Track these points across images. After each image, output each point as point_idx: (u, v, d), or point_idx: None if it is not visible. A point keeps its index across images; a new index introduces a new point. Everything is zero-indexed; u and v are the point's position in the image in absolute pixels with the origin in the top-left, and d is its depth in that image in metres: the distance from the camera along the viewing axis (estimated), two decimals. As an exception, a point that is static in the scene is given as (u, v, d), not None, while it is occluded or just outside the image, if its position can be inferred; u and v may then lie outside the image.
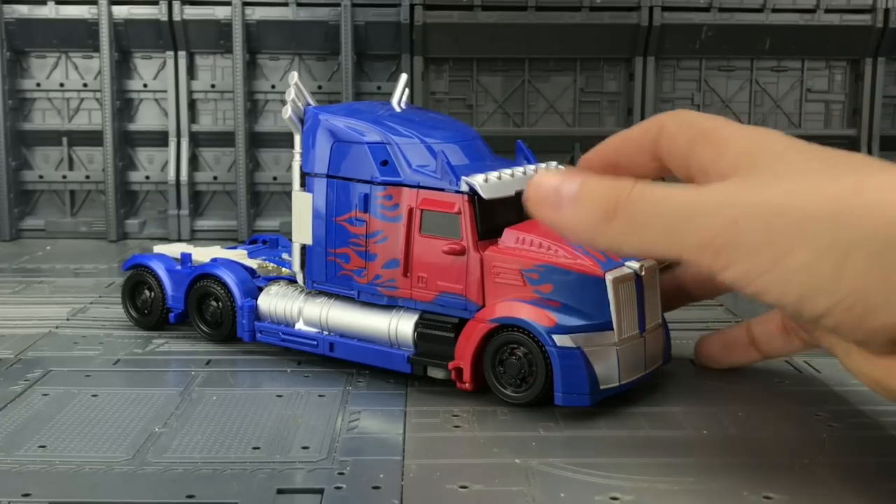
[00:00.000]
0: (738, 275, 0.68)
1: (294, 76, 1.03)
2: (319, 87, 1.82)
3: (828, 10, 1.79)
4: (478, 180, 0.93)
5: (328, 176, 1.01)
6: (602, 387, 0.89)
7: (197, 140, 1.84)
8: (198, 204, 1.85)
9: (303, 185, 1.04)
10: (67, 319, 1.22)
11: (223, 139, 1.83)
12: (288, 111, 1.02)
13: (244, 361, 1.06)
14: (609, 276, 0.90)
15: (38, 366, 1.03)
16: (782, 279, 0.67)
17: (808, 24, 1.79)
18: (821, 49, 1.83)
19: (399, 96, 1.12)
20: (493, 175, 0.94)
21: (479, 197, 0.93)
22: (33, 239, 1.82)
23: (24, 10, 1.78)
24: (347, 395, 0.94)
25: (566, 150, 1.82)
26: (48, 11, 1.78)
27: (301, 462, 0.78)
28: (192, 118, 1.83)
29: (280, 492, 0.72)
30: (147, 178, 1.85)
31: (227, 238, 1.77)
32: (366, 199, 0.98)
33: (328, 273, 1.01)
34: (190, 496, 0.71)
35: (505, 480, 0.75)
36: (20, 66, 1.83)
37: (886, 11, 1.79)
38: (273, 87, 1.83)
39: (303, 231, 1.03)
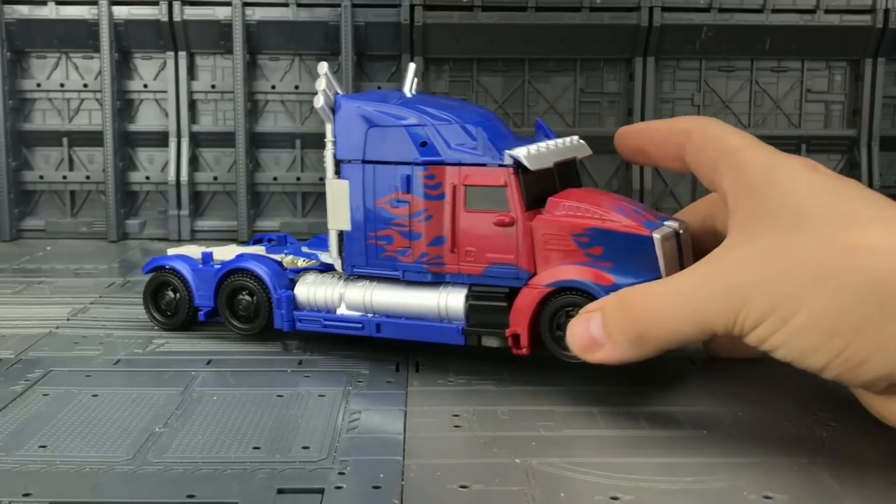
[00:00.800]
0: (754, 339, 0.79)
1: (324, 66, 1.04)
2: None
3: (828, 11, 1.79)
4: (521, 153, 0.97)
5: (364, 161, 1.03)
6: None
7: (197, 140, 1.84)
8: (198, 204, 1.85)
9: (337, 172, 1.05)
10: (68, 320, 1.22)
11: (223, 139, 1.83)
12: (320, 101, 1.03)
13: (244, 361, 1.06)
14: (656, 236, 0.94)
15: (38, 366, 1.03)
16: (786, 340, 0.77)
17: (808, 24, 1.79)
18: (821, 49, 1.83)
19: (410, 84, 1.14)
20: (533, 147, 0.99)
21: (523, 169, 0.97)
22: (33, 239, 1.82)
23: (24, 11, 1.78)
24: (347, 395, 0.95)
25: (566, 150, 1.82)
26: (48, 12, 1.78)
27: (301, 462, 0.78)
28: (193, 118, 1.83)
29: (280, 492, 0.72)
30: (147, 178, 1.85)
31: (228, 238, 1.77)
32: (408, 180, 1.00)
33: (369, 256, 1.04)
34: (190, 496, 0.71)
35: (505, 480, 0.75)
36: (20, 67, 1.83)
37: (886, 12, 1.79)
38: (273, 87, 1.83)
39: (339, 217, 1.05)
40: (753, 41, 1.81)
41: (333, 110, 1.04)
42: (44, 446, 0.81)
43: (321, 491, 0.72)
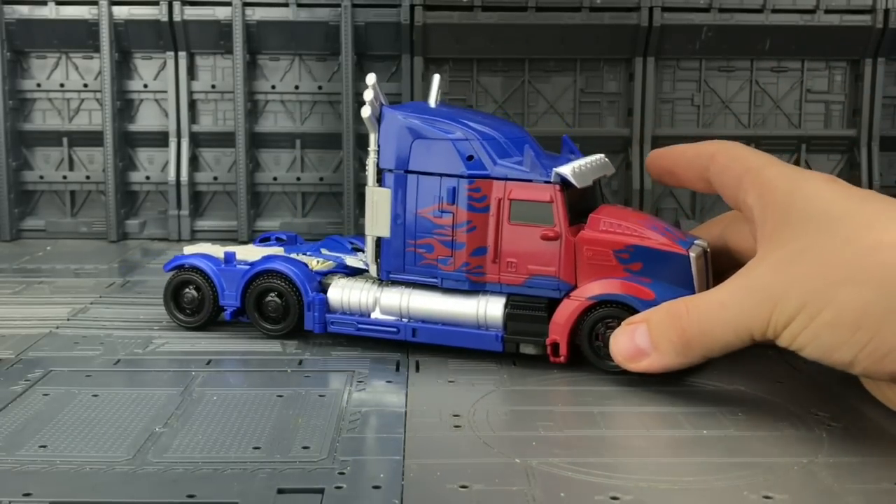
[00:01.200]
0: (785, 339, 0.84)
1: (372, 77, 1.08)
2: (319, 88, 1.82)
3: (828, 11, 1.79)
4: (567, 171, 1.02)
5: (407, 171, 1.06)
6: None
7: (197, 140, 1.84)
8: (198, 204, 1.85)
9: (378, 181, 1.08)
10: (68, 320, 1.22)
11: (223, 139, 1.83)
12: (367, 111, 1.06)
13: (244, 361, 1.06)
14: (692, 254, 1.00)
15: (38, 366, 1.03)
16: (814, 336, 0.81)
17: (808, 24, 1.79)
18: (821, 49, 1.83)
19: (435, 96, 1.16)
20: (576, 166, 1.05)
21: (568, 185, 1.02)
22: (34, 239, 1.82)
23: (24, 11, 1.78)
24: (347, 396, 0.95)
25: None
26: (48, 12, 1.78)
27: (301, 462, 0.78)
28: (193, 118, 1.83)
29: (280, 492, 0.72)
30: (147, 178, 1.85)
31: (228, 239, 1.77)
32: (453, 192, 1.04)
33: (406, 263, 1.07)
34: (190, 496, 0.71)
35: (505, 480, 0.75)
36: (20, 67, 1.83)
37: (886, 12, 1.79)
38: (273, 87, 1.83)
39: (379, 224, 1.08)
40: (753, 41, 1.81)
41: (379, 120, 1.07)
42: (44, 446, 0.81)
43: (321, 491, 0.72)
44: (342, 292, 1.11)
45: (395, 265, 1.08)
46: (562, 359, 1.02)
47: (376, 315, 1.09)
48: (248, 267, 1.14)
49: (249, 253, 1.19)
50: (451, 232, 1.05)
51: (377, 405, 0.92)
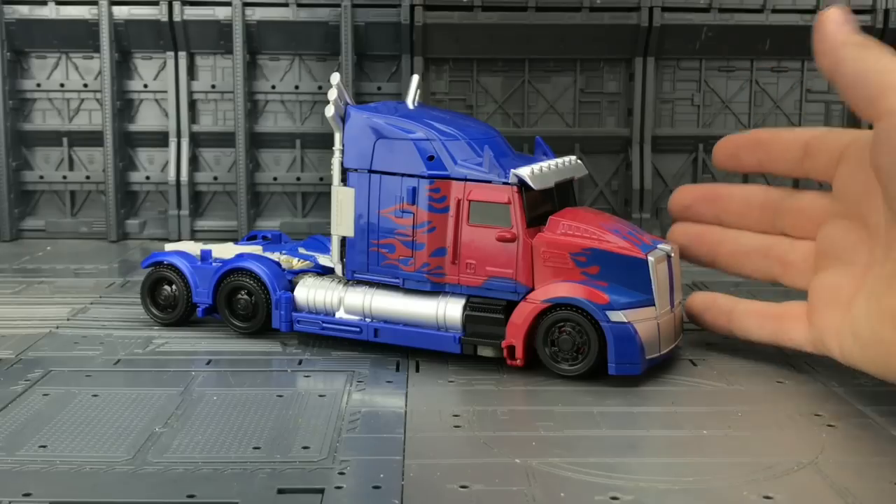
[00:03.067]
0: None
1: (336, 77, 1.07)
2: (319, 88, 1.82)
3: (828, 11, 1.79)
4: (525, 172, 1.01)
5: (370, 171, 1.06)
6: (647, 356, 0.98)
7: (197, 140, 1.84)
8: (198, 204, 1.85)
9: (343, 180, 1.08)
10: (68, 319, 1.22)
11: (223, 139, 1.82)
12: (331, 110, 1.06)
13: (244, 361, 1.06)
14: (650, 258, 0.99)
15: (38, 366, 1.03)
16: None
17: (808, 24, 1.78)
18: (821, 49, 1.83)
19: (413, 96, 1.15)
20: (536, 167, 1.03)
21: (526, 188, 1.01)
22: (33, 239, 1.82)
23: (24, 11, 1.78)
24: (347, 395, 0.95)
25: (566, 150, 1.81)
26: (48, 12, 1.78)
27: (301, 462, 0.78)
28: (193, 118, 1.83)
29: (280, 492, 0.72)
30: (147, 178, 1.85)
31: (228, 239, 1.77)
32: (413, 192, 1.04)
33: (370, 263, 1.07)
34: (190, 496, 0.71)
35: (505, 480, 0.75)
36: (20, 67, 1.83)
37: (886, 12, 1.79)
38: (273, 87, 1.83)
39: (343, 224, 1.08)
40: (753, 41, 1.81)
41: (343, 119, 1.07)
42: (44, 446, 0.81)
43: (321, 491, 0.72)
44: (308, 291, 1.11)
45: (360, 265, 1.08)
46: (518, 362, 1.00)
47: (340, 315, 1.09)
48: (220, 265, 1.15)
49: (226, 251, 1.20)
50: (412, 232, 1.04)
51: (377, 405, 0.92)
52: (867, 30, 1.79)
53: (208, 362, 1.05)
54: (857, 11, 1.78)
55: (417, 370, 1.03)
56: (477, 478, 0.75)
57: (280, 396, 0.94)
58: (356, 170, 1.07)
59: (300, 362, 1.06)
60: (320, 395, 0.94)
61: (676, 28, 1.78)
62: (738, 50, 1.82)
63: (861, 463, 0.79)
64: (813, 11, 1.79)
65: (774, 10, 1.79)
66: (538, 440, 0.84)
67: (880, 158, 0.87)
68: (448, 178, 1.03)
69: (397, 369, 1.03)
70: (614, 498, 0.72)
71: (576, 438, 0.84)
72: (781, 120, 1.85)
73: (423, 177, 1.04)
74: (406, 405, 0.92)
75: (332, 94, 1.06)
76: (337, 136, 1.08)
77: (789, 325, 1.01)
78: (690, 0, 1.78)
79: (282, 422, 0.87)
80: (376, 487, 0.73)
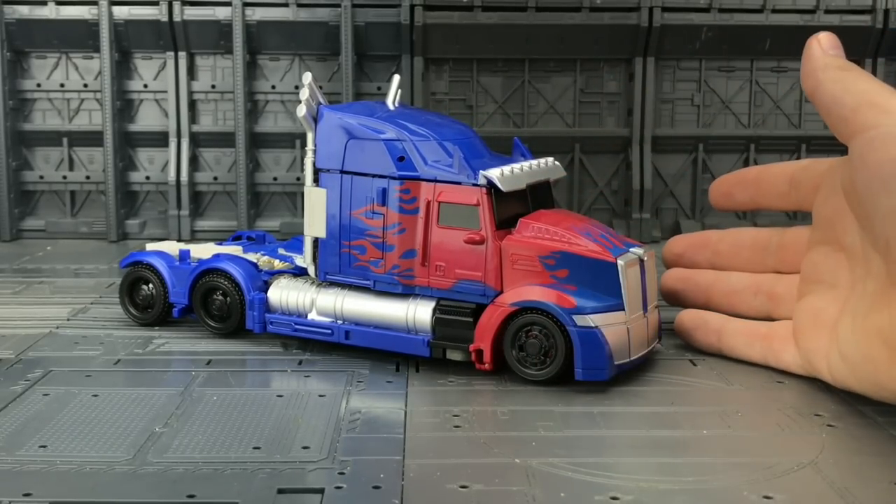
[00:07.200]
0: None
1: (308, 76, 1.07)
2: (320, 88, 1.81)
3: (828, 11, 1.79)
4: (495, 174, 0.99)
5: (342, 172, 1.05)
6: (616, 362, 0.96)
7: (197, 140, 1.84)
8: (198, 204, 1.85)
9: (315, 181, 1.07)
10: (68, 319, 1.22)
11: (223, 139, 1.83)
12: (303, 110, 1.06)
13: (245, 361, 1.06)
14: (620, 262, 0.97)
15: (38, 366, 1.03)
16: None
17: (808, 24, 1.79)
18: (821, 49, 1.83)
19: (393, 96, 1.15)
20: (507, 169, 1.01)
21: (496, 189, 0.99)
22: (34, 239, 1.82)
23: (24, 11, 1.78)
24: (347, 395, 0.95)
25: (566, 150, 1.82)
26: (48, 12, 1.78)
27: (301, 462, 0.78)
28: (193, 118, 1.83)
29: (280, 492, 0.72)
30: (147, 178, 1.85)
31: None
32: (383, 193, 1.02)
33: (342, 264, 1.06)
34: (190, 496, 0.71)
35: (505, 480, 0.75)
36: (20, 67, 1.83)
37: (886, 12, 1.79)
38: (273, 87, 1.83)
39: (316, 225, 1.07)
40: (753, 41, 1.81)
41: (316, 119, 1.07)
42: (44, 446, 0.81)
43: (321, 491, 0.72)
44: (281, 293, 1.10)
45: (332, 266, 1.07)
46: (486, 366, 0.99)
47: (313, 316, 1.08)
48: (196, 265, 1.15)
49: (204, 251, 1.20)
50: (383, 234, 1.03)
51: (377, 405, 0.92)
52: (867, 30, 1.81)
53: (208, 362, 1.05)
54: (857, 11, 1.79)
55: (417, 370, 1.03)
56: (477, 478, 0.75)
57: (280, 396, 0.94)
58: (328, 170, 1.06)
59: (300, 362, 1.06)
60: (320, 396, 0.94)
61: (676, 28, 1.78)
62: (738, 50, 1.82)
63: (861, 463, 0.79)
64: (813, 11, 1.79)
65: (774, 10, 1.79)
66: (538, 440, 0.84)
67: (856, 174, 0.88)
68: (418, 179, 1.02)
69: (397, 369, 1.03)
70: (614, 498, 0.72)
71: (576, 438, 0.84)
72: (781, 120, 1.85)
73: (393, 178, 1.02)
74: (406, 405, 0.92)
75: (305, 94, 1.06)
76: (309, 136, 1.07)
77: (778, 345, 1.02)
78: (690, 0, 1.78)
79: (282, 422, 0.87)
80: (376, 487, 0.73)
